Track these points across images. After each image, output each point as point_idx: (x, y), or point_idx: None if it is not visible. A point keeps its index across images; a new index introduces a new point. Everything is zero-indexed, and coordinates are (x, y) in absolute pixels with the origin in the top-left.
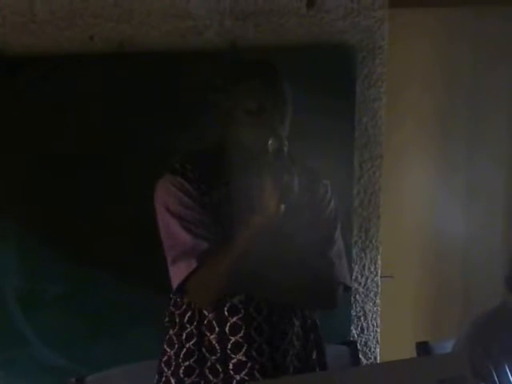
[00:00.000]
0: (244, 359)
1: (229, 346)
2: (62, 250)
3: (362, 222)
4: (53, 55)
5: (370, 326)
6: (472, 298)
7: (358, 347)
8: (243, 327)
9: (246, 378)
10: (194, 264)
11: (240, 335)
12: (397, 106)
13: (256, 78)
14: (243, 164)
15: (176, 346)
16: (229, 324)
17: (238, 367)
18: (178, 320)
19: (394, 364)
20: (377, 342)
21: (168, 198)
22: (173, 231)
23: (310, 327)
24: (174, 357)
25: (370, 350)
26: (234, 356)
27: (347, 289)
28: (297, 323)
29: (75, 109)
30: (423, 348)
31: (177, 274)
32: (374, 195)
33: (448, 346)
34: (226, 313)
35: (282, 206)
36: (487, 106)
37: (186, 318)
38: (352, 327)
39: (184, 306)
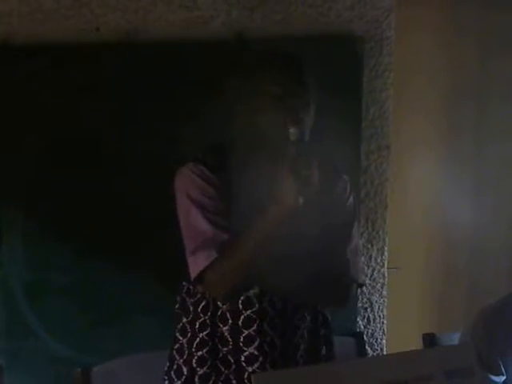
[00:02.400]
0: (256, 353)
1: (241, 339)
2: (67, 241)
3: (369, 213)
4: (59, 45)
5: (377, 317)
6: (479, 289)
7: (365, 338)
8: (257, 321)
9: (258, 370)
10: (213, 255)
11: (253, 329)
12: (404, 96)
13: (280, 65)
14: (263, 153)
15: (189, 334)
16: (242, 317)
17: (250, 360)
18: (191, 308)
19: (400, 355)
20: (383, 333)
21: (189, 186)
22: (193, 220)
23: (320, 322)
24: (186, 345)
25: (376, 342)
26: (246, 349)
27: (359, 286)
28: (308, 318)
29: (81, 99)
30: (430, 339)
31: (196, 264)
32: (380, 186)
33: (455, 338)
34: (240, 305)
35: (301, 199)
36: (494, 97)
37: (200, 307)
38: (358, 318)
39: (198, 295)
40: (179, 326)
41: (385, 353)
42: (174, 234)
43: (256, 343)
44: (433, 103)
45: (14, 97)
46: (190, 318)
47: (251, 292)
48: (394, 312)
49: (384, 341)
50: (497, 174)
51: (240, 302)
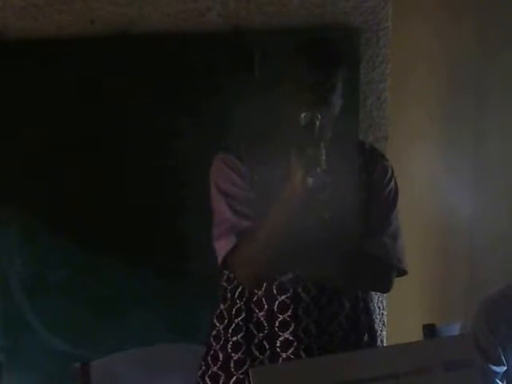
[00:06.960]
0: (291, 338)
1: (276, 324)
2: (65, 236)
3: None
4: (54, 39)
5: (376, 308)
6: (479, 279)
7: None
8: (291, 306)
9: (292, 356)
10: (233, 241)
11: (288, 314)
12: (402, 87)
13: (304, 54)
14: (281, 140)
15: (226, 320)
16: (277, 302)
17: (285, 345)
18: (229, 295)
19: (400, 347)
20: (383, 324)
21: (218, 175)
22: (218, 208)
23: (361, 309)
24: (222, 331)
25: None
26: (281, 334)
27: (402, 272)
28: (348, 305)
29: (75, 93)
30: (430, 330)
31: (219, 250)
32: None
33: (455, 329)
34: (274, 291)
35: (310, 180)
36: (494, 88)
37: (237, 293)
38: None
39: (235, 282)
40: (217, 313)
41: (385, 344)
42: (171, 227)
43: (291, 328)
44: (431, 94)
45: (9, 91)
46: (226, 305)
47: (285, 277)
48: (393, 303)
49: (384, 332)
50: (496, 165)
51: (274, 287)
